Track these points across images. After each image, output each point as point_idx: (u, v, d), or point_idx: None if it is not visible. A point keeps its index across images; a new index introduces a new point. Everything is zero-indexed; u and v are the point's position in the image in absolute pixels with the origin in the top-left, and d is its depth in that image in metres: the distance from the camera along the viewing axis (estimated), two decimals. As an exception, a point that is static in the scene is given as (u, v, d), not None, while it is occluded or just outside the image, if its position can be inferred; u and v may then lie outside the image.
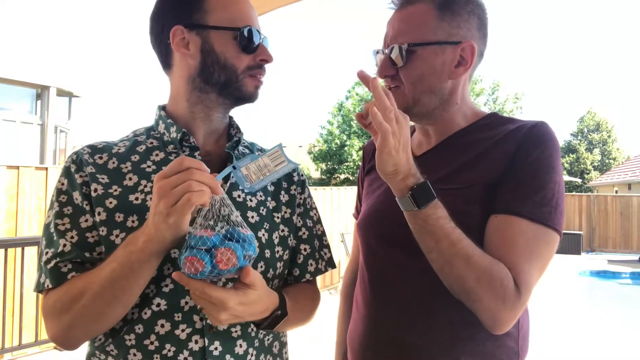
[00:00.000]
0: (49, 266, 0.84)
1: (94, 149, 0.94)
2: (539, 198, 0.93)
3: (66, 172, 0.91)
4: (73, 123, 14.70)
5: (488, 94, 20.19)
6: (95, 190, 0.88)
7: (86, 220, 0.87)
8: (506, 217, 0.93)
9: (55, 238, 0.86)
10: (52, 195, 0.91)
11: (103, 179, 0.90)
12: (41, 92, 12.80)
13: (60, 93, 13.45)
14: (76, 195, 0.88)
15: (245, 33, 0.93)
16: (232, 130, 1.03)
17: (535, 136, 0.97)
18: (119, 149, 0.96)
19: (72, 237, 0.86)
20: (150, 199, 0.86)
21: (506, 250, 0.91)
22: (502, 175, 0.96)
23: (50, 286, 0.84)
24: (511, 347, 1.00)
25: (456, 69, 1.03)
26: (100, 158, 0.93)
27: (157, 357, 0.85)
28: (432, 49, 1.01)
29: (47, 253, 0.86)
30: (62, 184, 0.90)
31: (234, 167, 0.81)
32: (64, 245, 0.85)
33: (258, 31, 0.95)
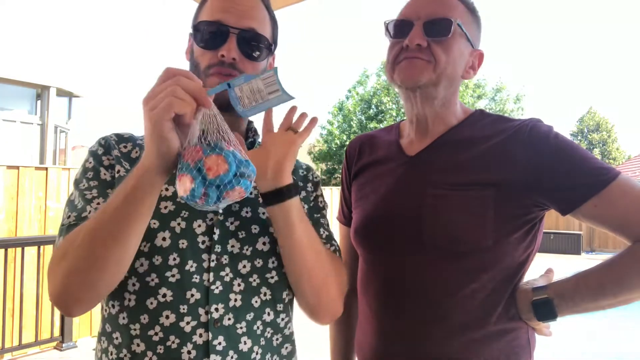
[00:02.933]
0: (68, 225, 0.85)
1: (120, 137, 0.98)
2: (592, 169, 0.93)
3: (93, 154, 0.94)
4: (73, 123, 14.74)
5: (491, 96, 19.91)
6: (119, 171, 0.92)
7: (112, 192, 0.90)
8: (596, 199, 0.93)
9: (82, 205, 0.87)
10: (76, 175, 0.94)
11: (125, 165, 0.93)
12: (41, 92, 12.82)
13: (60, 93, 13.48)
14: (103, 171, 0.92)
15: (203, 27, 0.93)
16: (250, 134, 1.05)
17: (538, 134, 0.96)
18: (142, 142, 0.98)
19: (97, 204, 0.87)
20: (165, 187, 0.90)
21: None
22: (525, 181, 0.94)
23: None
24: (523, 342, 1.00)
25: (469, 70, 1.07)
26: (125, 147, 0.96)
27: (160, 349, 0.85)
28: (465, 42, 1.04)
29: (69, 217, 0.87)
30: (90, 163, 0.93)
31: (229, 85, 0.79)
32: (89, 212, 0.86)
33: (225, 25, 0.91)
